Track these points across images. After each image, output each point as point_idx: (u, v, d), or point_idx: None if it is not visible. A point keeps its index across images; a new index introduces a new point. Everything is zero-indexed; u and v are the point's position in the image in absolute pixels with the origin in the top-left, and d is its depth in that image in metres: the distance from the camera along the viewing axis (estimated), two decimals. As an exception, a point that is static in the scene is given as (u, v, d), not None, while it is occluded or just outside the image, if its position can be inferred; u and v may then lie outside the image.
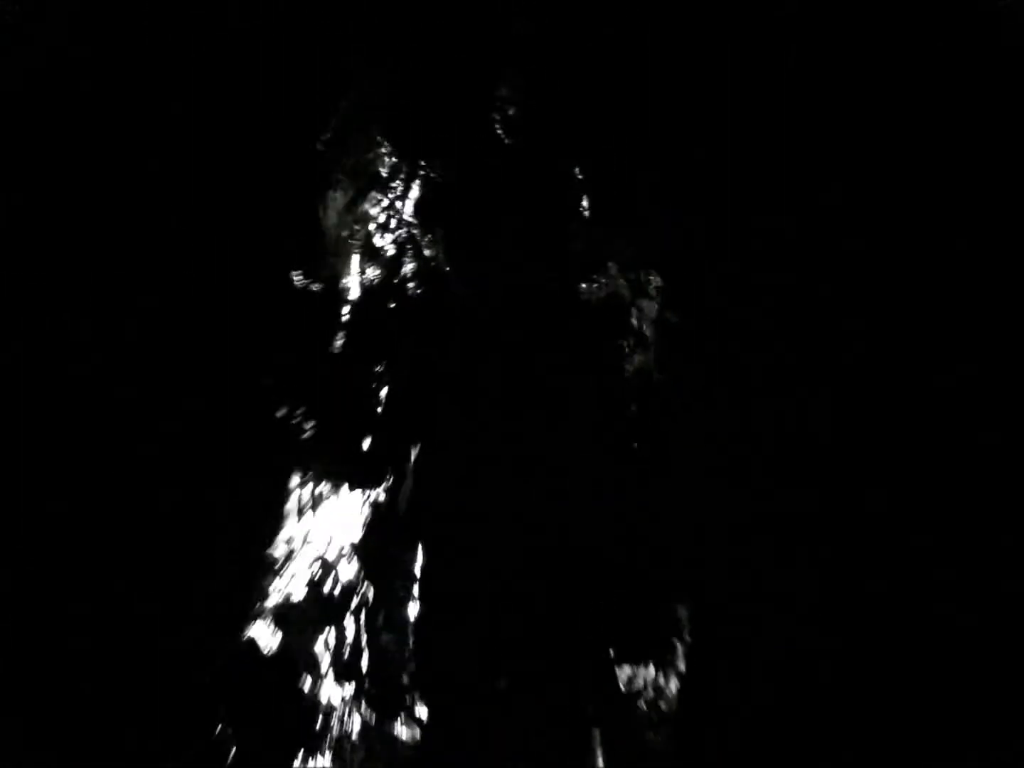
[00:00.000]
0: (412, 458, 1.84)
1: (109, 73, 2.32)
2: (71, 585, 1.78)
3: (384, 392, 1.88)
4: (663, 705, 2.13)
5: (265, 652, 1.58)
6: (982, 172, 2.49)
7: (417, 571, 1.62)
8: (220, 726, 1.55)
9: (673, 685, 2.16)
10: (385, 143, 2.21)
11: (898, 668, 2.14)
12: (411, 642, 1.52)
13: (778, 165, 2.53)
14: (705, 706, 2.16)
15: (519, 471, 1.97)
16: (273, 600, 1.63)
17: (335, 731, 1.55)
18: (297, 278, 2.02)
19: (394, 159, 2.22)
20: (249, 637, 1.60)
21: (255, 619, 1.60)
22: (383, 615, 1.59)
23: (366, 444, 1.81)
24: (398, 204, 2.16)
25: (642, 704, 2.14)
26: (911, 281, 2.45)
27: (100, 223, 2.23)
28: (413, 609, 1.58)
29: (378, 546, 1.65)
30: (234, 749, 1.54)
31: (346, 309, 1.99)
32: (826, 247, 2.49)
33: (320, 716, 1.55)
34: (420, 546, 1.68)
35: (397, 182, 2.22)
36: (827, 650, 2.19)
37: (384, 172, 2.19)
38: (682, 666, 2.18)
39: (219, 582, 1.64)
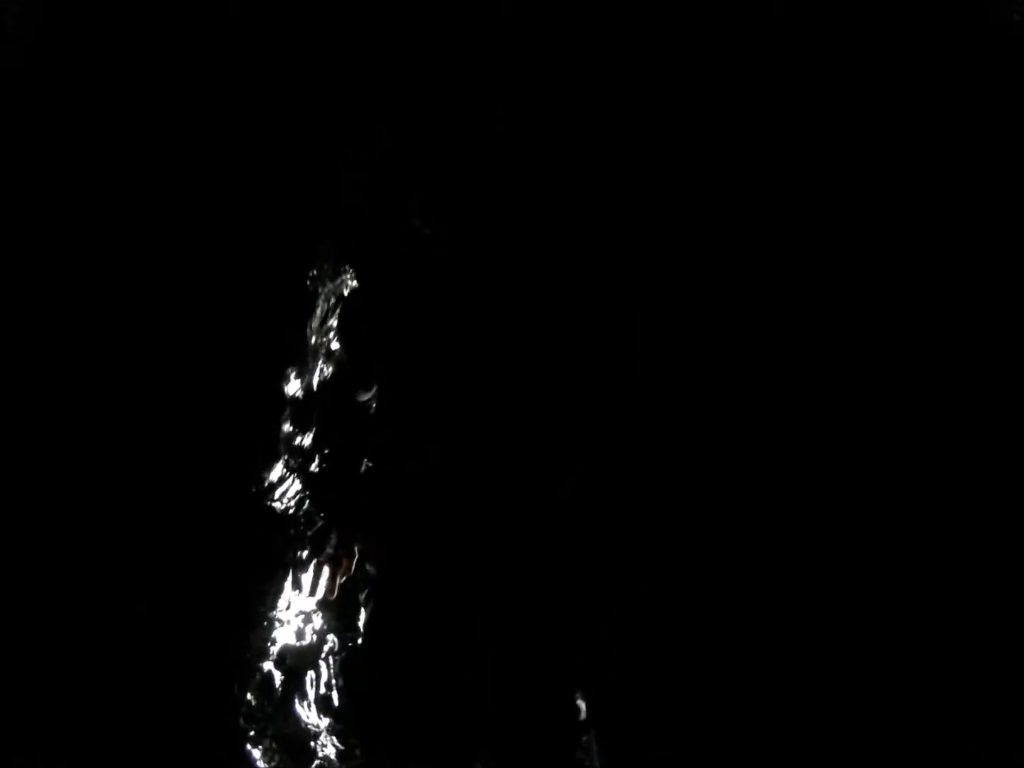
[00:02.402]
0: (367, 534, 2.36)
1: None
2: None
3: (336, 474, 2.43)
4: (661, 705, 2.16)
5: (272, 684, 2.19)
6: (982, 172, 2.48)
7: (361, 626, 2.19)
8: (241, 743, 2.12)
9: (672, 685, 2.18)
10: (349, 270, 2.63)
11: (896, 671, 2.14)
12: (361, 686, 2.11)
13: (774, 166, 2.52)
14: (705, 706, 2.17)
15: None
16: (276, 645, 2.22)
17: (320, 753, 2.10)
18: (288, 379, 2.54)
19: (353, 282, 2.66)
20: (262, 674, 2.19)
21: (264, 659, 2.21)
22: (340, 662, 2.17)
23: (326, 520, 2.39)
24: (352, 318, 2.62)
25: (640, 704, 2.17)
26: (911, 282, 2.43)
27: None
28: (360, 658, 2.16)
29: (340, 602, 2.24)
30: (252, 759, 2.11)
31: (315, 403, 2.54)
32: (824, 249, 2.48)
33: (310, 740, 2.11)
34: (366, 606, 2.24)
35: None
36: (828, 651, 2.18)
37: (345, 293, 2.64)
38: (681, 665, 2.20)
39: (235, 629, 2.22)
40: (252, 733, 2.09)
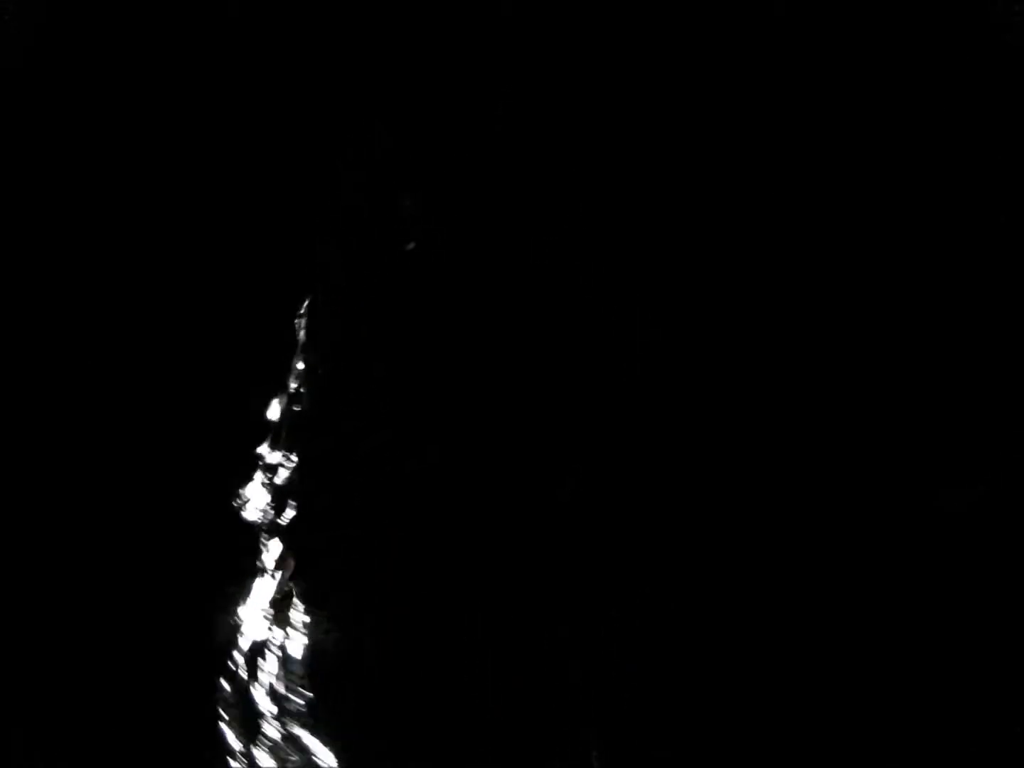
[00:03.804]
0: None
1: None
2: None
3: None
4: (661, 705, 2.16)
5: (238, 673, 2.44)
6: (982, 173, 2.48)
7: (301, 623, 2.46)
8: (216, 724, 2.37)
9: (672, 684, 2.18)
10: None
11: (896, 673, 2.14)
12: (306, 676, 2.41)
13: (774, 166, 2.53)
14: (705, 706, 2.17)
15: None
16: (245, 638, 2.49)
17: (268, 735, 2.37)
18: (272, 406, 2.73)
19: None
20: (233, 663, 2.45)
21: (234, 649, 2.47)
22: (285, 655, 2.46)
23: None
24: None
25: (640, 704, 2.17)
26: (910, 283, 2.44)
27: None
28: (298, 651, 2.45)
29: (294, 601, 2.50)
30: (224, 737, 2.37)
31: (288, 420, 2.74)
32: (824, 249, 2.49)
33: (262, 723, 2.38)
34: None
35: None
36: (829, 651, 2.18)
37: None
38: (682, 665, 2.20)
39: (216, 625, 2.49)
40: (225, 716, 2.38)
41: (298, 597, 2.49)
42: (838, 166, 2.53)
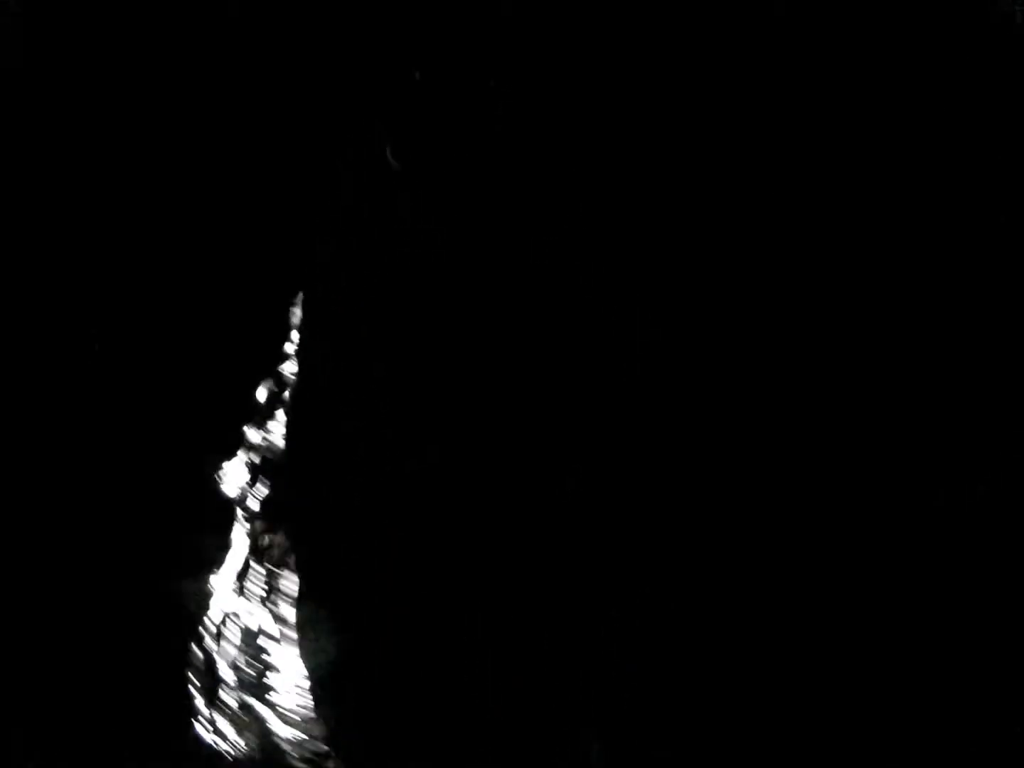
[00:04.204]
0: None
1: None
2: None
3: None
4: (661, 705, 2.16)
5: (206, 642, 2.56)
6: (982, 172, 2.48)
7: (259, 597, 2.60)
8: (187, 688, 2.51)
9: (672, 684, 2.18)
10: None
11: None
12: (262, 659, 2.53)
13: (774, 166, 2.53)
14: (705, 706, 2.17)
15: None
16: (216, 608, 2.60)
17: (227, 703, 2.50)
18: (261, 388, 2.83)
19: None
20: (206, 631, 2.57)
21: (204, 614, 2.58)
22: (245, 628, 2.59)
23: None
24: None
25: (640, 704, 2.18)
26: (910, 283, 2.44)
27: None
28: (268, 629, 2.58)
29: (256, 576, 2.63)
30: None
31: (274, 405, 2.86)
32: (824, 249, 2.49)
33: (221, 691, 2.51)
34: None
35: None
36: (829, 651, 2.18)
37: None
38: (682, 665, 2.20)
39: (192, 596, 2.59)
40: (194, 681, 2.51)
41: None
42: (838, 165, 2.53)
